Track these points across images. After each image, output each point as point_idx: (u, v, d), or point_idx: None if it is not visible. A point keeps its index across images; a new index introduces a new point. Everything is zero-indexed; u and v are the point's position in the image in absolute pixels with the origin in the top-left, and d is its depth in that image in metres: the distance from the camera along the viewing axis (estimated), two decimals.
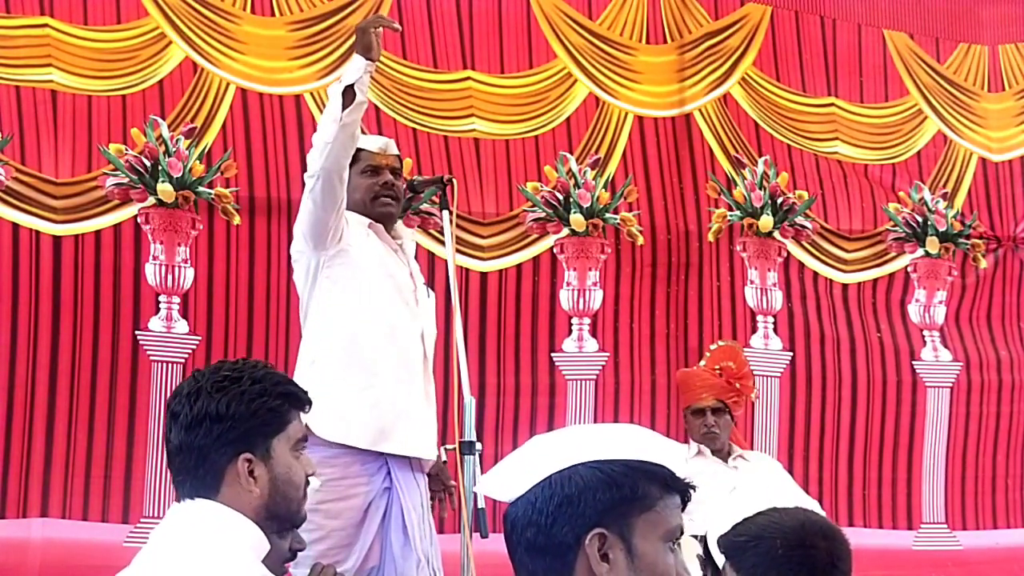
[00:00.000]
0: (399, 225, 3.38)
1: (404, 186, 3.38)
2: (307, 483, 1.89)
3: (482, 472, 2.94)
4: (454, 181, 3.39)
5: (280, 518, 1.83)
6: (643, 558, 1.39)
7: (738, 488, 3.36)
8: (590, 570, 1.37)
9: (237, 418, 1.80)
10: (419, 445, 3.13)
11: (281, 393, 1.86)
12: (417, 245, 3.48)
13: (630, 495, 1.40)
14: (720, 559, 2.07)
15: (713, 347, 4.42)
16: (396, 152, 3.39)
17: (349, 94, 2.99)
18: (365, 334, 3.09)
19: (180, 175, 4.26)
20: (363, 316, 3.09)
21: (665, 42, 5.13)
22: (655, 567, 1.40)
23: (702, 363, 4.35)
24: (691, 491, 1.45)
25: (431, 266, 4.51)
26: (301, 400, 1.90)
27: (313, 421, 2.39)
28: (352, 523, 3.03)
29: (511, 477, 1.44)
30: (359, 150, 3.26)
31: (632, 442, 1.45)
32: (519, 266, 4.74)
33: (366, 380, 3.06)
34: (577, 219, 4.81)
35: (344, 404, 3.01)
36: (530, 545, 1.40)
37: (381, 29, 3.12)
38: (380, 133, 4.53)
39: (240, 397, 1.81)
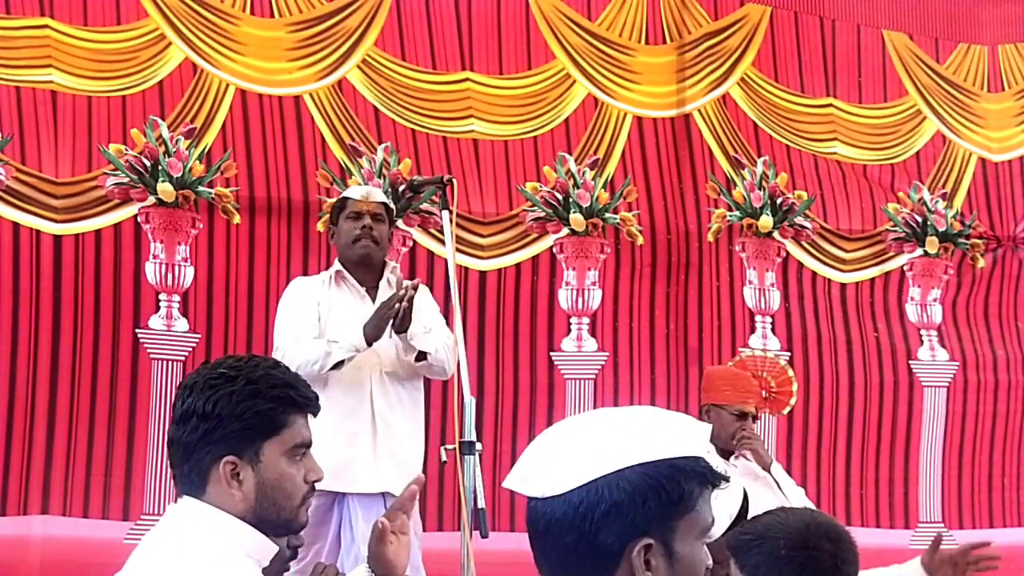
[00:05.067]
0: (392, 267, 3.68)
1: (389, 231, 3.72)
2: (311, 489, 1.82)
3: (482, 472, 2.97)
4: (454, 181, 3.45)
5: (271, 523, 1.76)
6: (682, 560, 1.34)
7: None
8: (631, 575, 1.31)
9: (223, 418, 1.72)
10: (371, 481, 3.44)
11: (276, 396, 1.76)
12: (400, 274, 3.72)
13: (676, 499, 1.33)
14: None
15: (771, 356, 4.45)
16: (380, 199, 3.70)
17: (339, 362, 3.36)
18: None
19: (180, 175, 4.28)
20: (313, 382, 3.33)
21: (664, 43, 5.13)
22: (692, 568, 1.36)
23: (731, 362, 4.40)
24: (725, 483, 1.39)
25: (431, 265, 4.53)
26: (300, 404, 1.80)
27: None
28: (310, 523, 3.21)
29: (549, 474, 1.34)
30: (344, 198, 3.65)
31: (675, 436, 1.37)
32: (518, 265, 4.75)
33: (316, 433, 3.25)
34: (576, 219, 4.82)
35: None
36: (569, 549, 1.32)
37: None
38: (379, 134, 4.57)
39: (229, 397, 1.73)
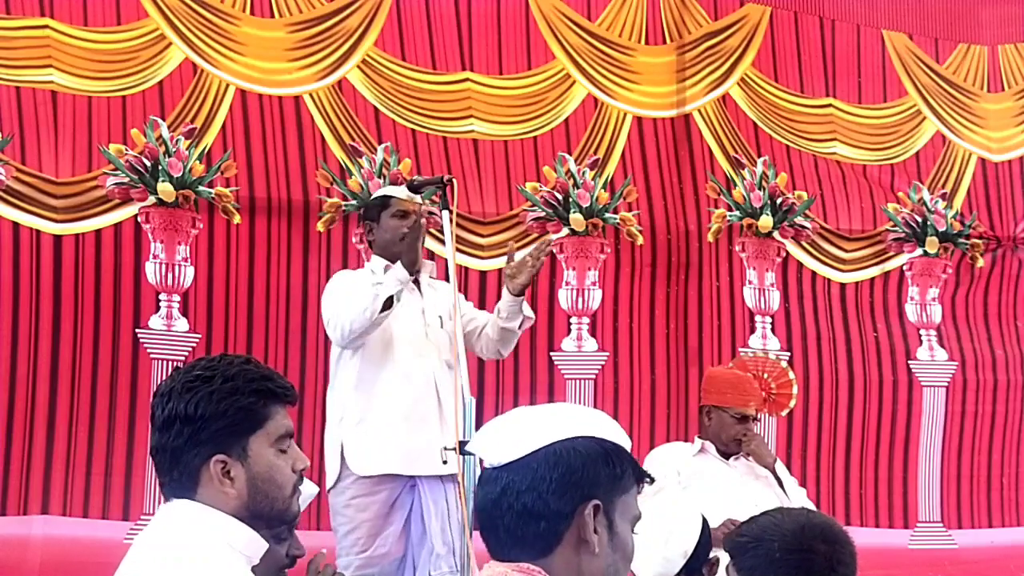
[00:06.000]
0: (424, 262, 3.75)
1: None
2: (300, 478, 1.82)
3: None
4: (454, 181, 3.47)
5: (265, 517, 1.77)
6: (619, 536, 1.45)
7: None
8: (578, 538, 1.41)
9: (207, 419, 1.73)
10: (442, 464, 3.45)
11: (255, 390, 1.76)
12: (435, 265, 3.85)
13: (620, 474, 1.44)
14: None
15: (772, 356, 4.45)
16: (420, 200, 3.74)
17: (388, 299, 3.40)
18: (382, 384, 3.50)
19: (180, 175, 4.28)
20: (378, 369, 3.51)
21: (664, 43, 5.13)
22: (626, 547, 1.46)
23: (731, 363, 4.39)
24: (649, 481, 1.51)
25: None
26: (279, 395, 1.80)
27: (352, 462, 3.42)
28: (379, 515, 3.45)
29: (508, 440, 1.44)
30: (389, 197, 3.70)
31: (616, 427, 1.49)
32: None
33: (385, 419, 3.47)
34: (576, 219, 4.83)
35: (371, 443, 3.46)
36: (525, 510, 1.40)
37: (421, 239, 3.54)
38: (379, 134, 4.58)
39: (209, 397, 1.73)
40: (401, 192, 3.72)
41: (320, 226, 4.45)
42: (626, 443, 1.48)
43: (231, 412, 1.74)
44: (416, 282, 3.67)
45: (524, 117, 4.85)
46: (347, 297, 3.45)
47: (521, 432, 1.45)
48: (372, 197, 3.89)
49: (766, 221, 5.12)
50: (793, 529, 1.95)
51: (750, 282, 5.10)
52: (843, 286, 5.25)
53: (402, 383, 3.50)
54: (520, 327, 3.65)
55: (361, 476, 3.45)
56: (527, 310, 3.61)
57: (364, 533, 3.43)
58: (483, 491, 1.45)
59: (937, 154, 5.53)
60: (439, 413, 3.52)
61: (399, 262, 3.44)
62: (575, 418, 1.47)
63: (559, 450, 1.41)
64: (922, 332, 5.33)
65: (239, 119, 4.43)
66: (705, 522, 2.74)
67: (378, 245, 3.67)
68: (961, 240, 5.43)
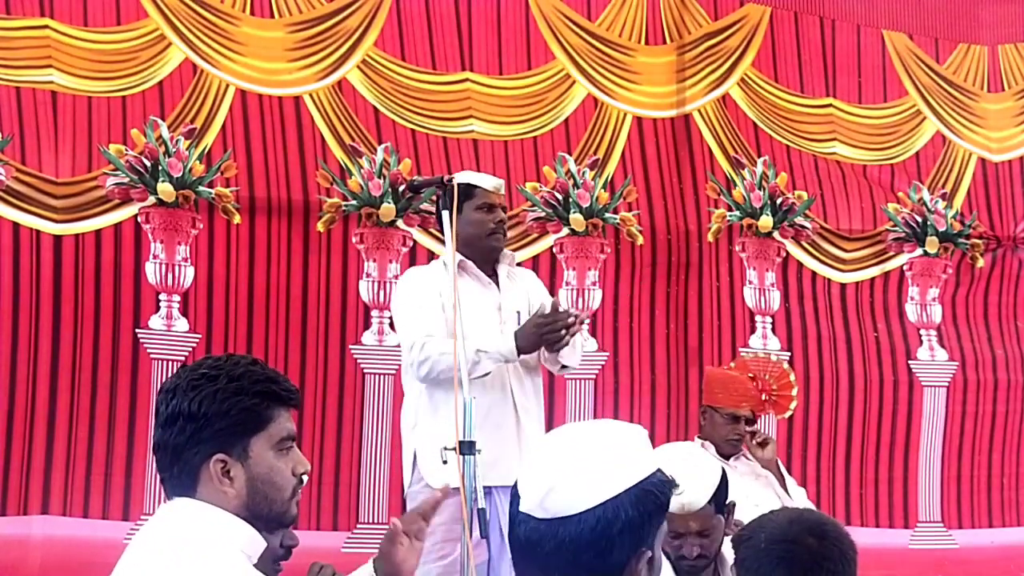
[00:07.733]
0: (505, 252, 3.63)
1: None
2: (300, 481, 1.84)
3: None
4: (454, 181, 3.42)
5: (264, 519, 1.79)
6: (655, 564, 1.45)
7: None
8: None
9: (209, 417, 1.75)
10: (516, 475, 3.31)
11: (259, 392, 1.78)
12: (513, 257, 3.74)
13: (664, 506, 1.45)
14: None
15: (772, 357, 4.44)
16: (504, 192, 3.64)
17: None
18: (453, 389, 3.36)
19: (180, 175, 4.28)
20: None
21: (664, 43, 5.13)
22: (660, 572, 1.48)
23: (732, 363, 4.39)
24: (677, 490, 1.50)
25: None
26: (283, 398, 1.82)
27: (425, 472, 3.30)
28: (455, 519, 3.19)
29: (563, 495, 1.40)
30: (474, 187, 3.50)
31: (648, 448, 1.47)
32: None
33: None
34: (577, 219, 4.82)
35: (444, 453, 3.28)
36: (583, 567, 1.39)
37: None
38: (379, 134, 4.58)
39: (213, 396, 1.75)
40: (488, 183, 3.53)
41: (320, 226, 4.45)
42: (657, 461, 1.45)
43: (234, 412, 1.76)
44: (493, 274, 3.55)
45: (524, 117, 4.85)
46: (428, 329, 3.33)
47: (574, 486, 1.40)
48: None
49: (766, 221, 5.12)
50: (782, 523, 1.98)
51: (750, 282, 5.10)
52: (843, 286, 5.25)
53: (477, 390, 3.27)
54: (561, 371, 3.62)
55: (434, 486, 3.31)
56: (565, 359, 3.48)
57: (441, 538, 3.27)
58: (533, 540, 1.42)
59: (937, 154, 5.53)
60: (515, 419, 3.44)
61: (516, 339, 3.32)
62: (624, 462, 1.42)
63: (617, 507, 1.39)
64: (922, 332, 5.33)
65: (239, 119, 4.43)
66: (724, 471, 2.77)
67: (462, 236, 3.40)
68: (961, 240, 5.43)
